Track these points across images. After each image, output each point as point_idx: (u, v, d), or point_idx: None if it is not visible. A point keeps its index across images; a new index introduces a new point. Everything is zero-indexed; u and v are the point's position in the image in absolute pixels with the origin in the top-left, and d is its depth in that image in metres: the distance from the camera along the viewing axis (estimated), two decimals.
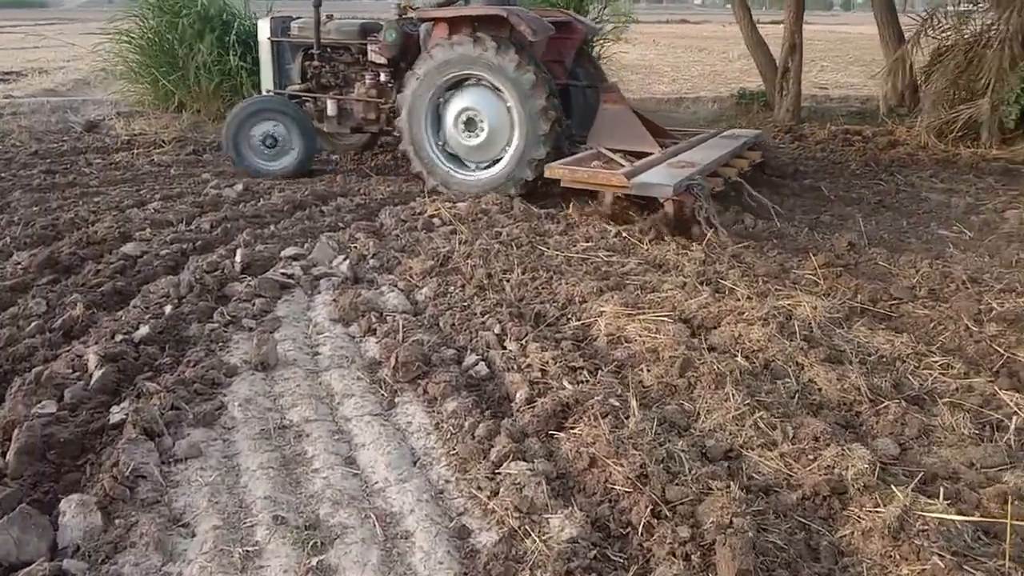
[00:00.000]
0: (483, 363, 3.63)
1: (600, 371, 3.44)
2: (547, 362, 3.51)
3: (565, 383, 3.32)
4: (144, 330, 3.86)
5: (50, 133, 9.85)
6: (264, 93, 8.16)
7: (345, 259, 5.07)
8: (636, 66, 17.94)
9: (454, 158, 6.92)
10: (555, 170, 6.09)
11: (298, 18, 8.25)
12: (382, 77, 7.48)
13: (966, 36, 9.26)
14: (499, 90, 6.52)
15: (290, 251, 5.18)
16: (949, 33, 9.45)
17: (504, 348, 3.78)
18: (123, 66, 10.89)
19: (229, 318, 4.14)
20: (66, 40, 21.83)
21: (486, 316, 4.08)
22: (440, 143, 6.89)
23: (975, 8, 9.33)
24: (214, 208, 6.32)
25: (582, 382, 3.35)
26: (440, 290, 4.53)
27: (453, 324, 4.07)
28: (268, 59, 8.07)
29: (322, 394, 3.45)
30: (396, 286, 4.65)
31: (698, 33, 37.18)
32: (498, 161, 6.74)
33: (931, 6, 11.16)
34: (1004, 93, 8.36)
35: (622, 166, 6.08)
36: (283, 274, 4.78)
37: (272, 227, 5.78)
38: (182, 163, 8.20)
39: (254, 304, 4.35)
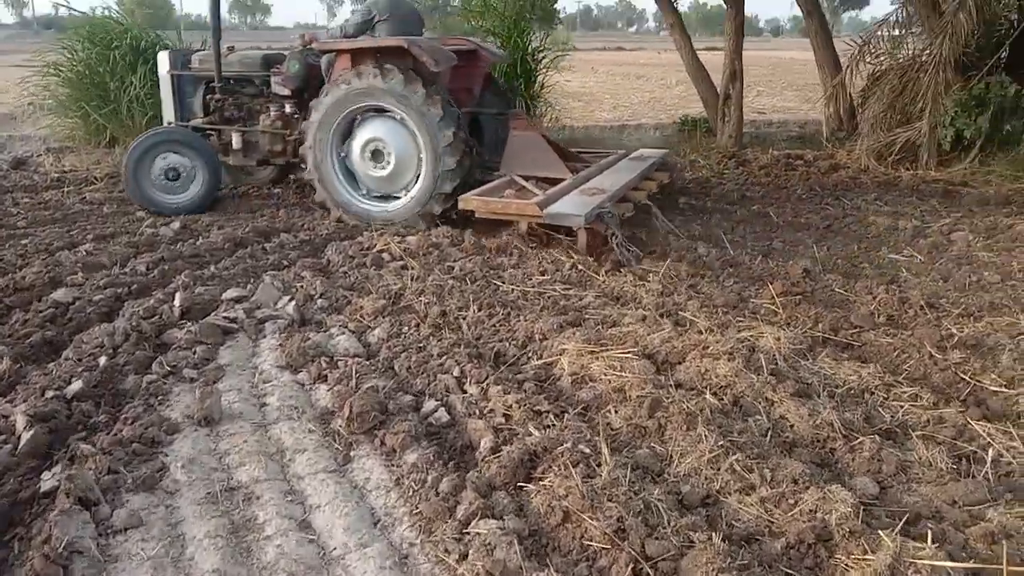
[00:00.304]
0: (443, 409, 3.46)
1: (566, 414, 3.30)
2: (510, 406, 3.35)
3: (531, 428, 3.17)
4: (77, 385, 3.60)
5: None
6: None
7: (291, 300, 4.86)
8: (577, 93, 18.03)
9: (359, 188, 6.88)
10: (470, 201, 6.08)
11: (198, 50, 8.17)
12: (287, 108, 7.49)
13: (900, 60, 9.50)
14: (406, 121, 6.50)
15: (232, 293, 4.94)
16: (884, 58, 9.68)
17: (464, 392, 3.61)
18: (52, 100, 10.48)
19: (168, 368, 3.89)
20: None
21: (444, 357, 3.91)
22: (345, 173, 6.84)
23: (909, 32, 9.56)
24: (150, 248, 6.03)
25: (549, 427, 3.20)
26: (394, 331, 4.34)
27: (409, 367, 3.88)
28: (168, 93, 7.87)
29: (272, 450, 3.23)
30: (347, 327, 4.45)
31: (634, 60, 37.85)
32: (406, 192, 6.72)
33: (862, 32, 11.44)
34: (939, 116, 8.55)
35: (535, 194, 6.15)
36: (225, 318, 4.54)
37: (212, 267, 5.53)
38: (115, 200, 7.83)
39: (195, 352, 4.10)
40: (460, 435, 3.28)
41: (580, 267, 5.39)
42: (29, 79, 10.54)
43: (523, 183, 6.53)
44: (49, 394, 3.52)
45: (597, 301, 4.72)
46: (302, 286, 5.10)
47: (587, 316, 4.45)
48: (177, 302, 4.67)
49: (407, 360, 3.93)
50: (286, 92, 7.36)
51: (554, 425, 3.20)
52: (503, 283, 5.15)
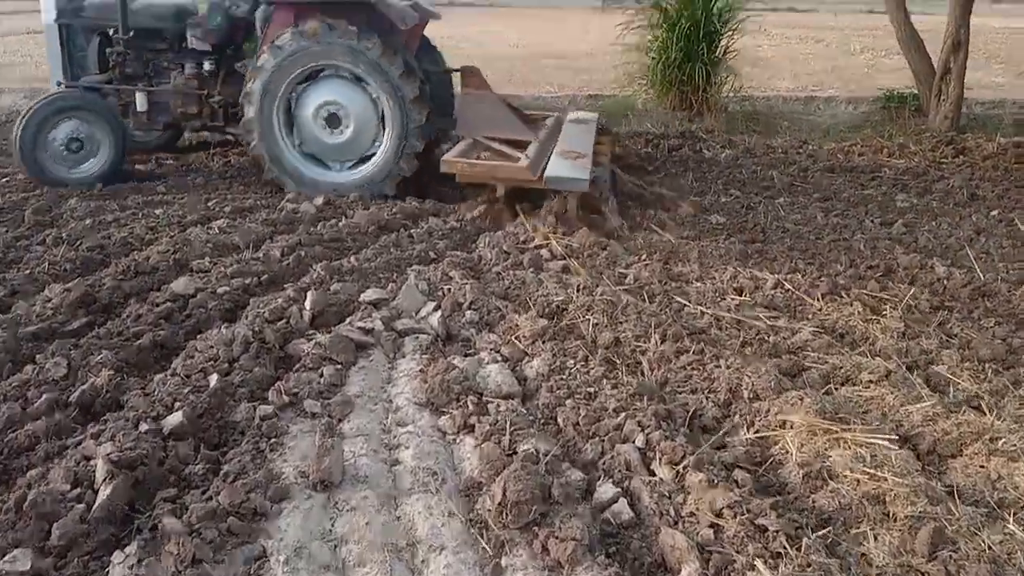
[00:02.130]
0: (624, 499, 2.59)
1: (803, 537, 2.35)
2: (720, 511, 2.43)
3: (754, 558, 2.25)
4: (177, 417, 2.96)
5: None
6: (55, 87, 6.83)
7: (436, 308, 4.09)
8: (752, 59, 16.46)
9: (314, 159, 6.33)
10: (453, 164, 5.66)
11: None
12: (205, 66, 6.66)
13: None
14: (362, 81, 6.00)
15: (371, 294, 4.23)
16: None
17: (652, 474, 2.72)
18: None
19: (288, 398, 3.20)
20: None
21: (621, 414, 3.02)
22: (297, 143, 6.26)
23: None
24: (288, 228, 5.43)
25: (778, 556, 2.27)
26: (556, 363, 3.49)
27: (577, 423, 3.03)
28: (56, 45, 6.87)
29: (401, 543, 2.46)
30: (499, 352, 3.64)
31: (807, 23, 34.99)
32: (368, 158, 6.26)
33: None
34: None
35: (512, 157, 5.82)
36: (360, 328, 3.83)
37: (352, 257, 4.85)
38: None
39: (322, 375, 3.40)
40: (648, 547, 2.40)
41: (787, 287, 4.34)
42: None
43: (495, 145, 6.13)
44: (144, 427, 2.89)
45: (816, 339, 3.69)
46: (450, 289, 4.33)
47: (808, 364, 3.44)
48: (308, 304, 4.00)
49: (574, 412, 3.07)
50: (205, 47, 6.64)
51: (786, 554, 2.26)
52: (689, 301, 4.19)
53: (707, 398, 3.21)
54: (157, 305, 4.05)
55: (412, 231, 5.43)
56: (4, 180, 6.61)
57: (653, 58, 9.93)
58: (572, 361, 3.51)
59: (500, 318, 3.99)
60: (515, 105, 7.34)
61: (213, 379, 3.29)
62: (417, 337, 3.83)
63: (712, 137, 8.90)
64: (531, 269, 4.66)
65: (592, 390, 3.25)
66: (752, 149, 8.42)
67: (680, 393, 3.27)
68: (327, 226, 5.47)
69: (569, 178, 5.35)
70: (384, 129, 6.11)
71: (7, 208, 5.69)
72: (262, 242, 5.13)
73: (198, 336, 3.79)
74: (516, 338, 3.75)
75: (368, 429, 3.07)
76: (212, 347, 3.57)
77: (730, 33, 9.93)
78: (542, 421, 3.10)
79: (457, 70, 7.02)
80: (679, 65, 9.65)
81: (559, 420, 3.07)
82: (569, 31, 26.44)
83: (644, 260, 4.83)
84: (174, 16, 6.69)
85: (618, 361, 3.55)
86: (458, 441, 3.00)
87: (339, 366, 3.51)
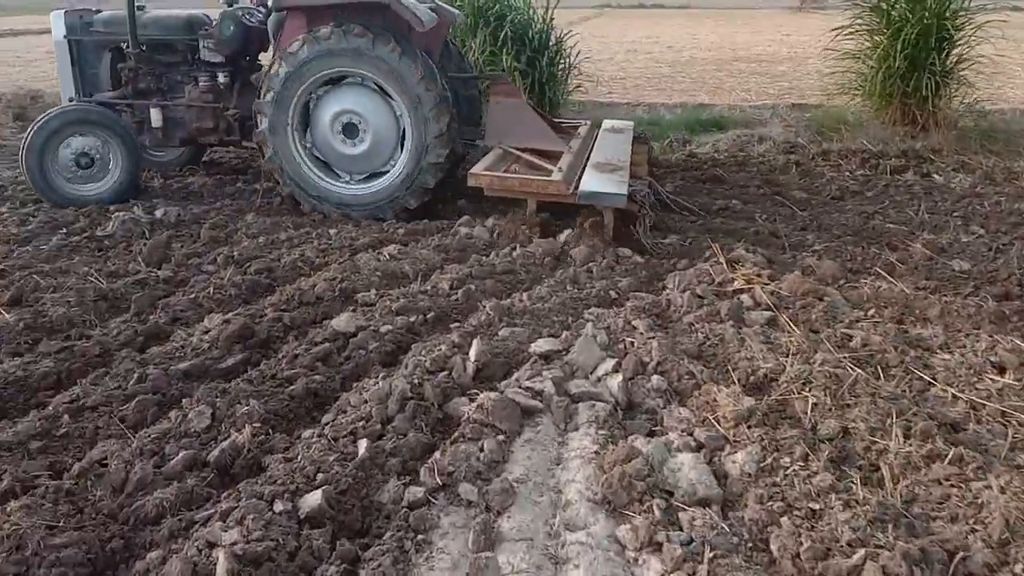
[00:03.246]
0: None
1: None
2: None
3: None
4: (315, 496, 2.56)
5: None
6: (67, 102, 6.62)
7: (617, 368, 3.51)
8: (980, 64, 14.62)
9: (328, 170, 6.00)
10: (480, 177, 5.37)
11: (99, 11, 6.86)
12: (220, 78, 6.40)
13: None
14: (380, 88, 5.69)
15: (543, 345, 3.71)
16: None
17: None
18: None
19: (441, 479, 2.73)
20: None
21: (858, 550, 2.32)
22: (311, 155, 5.94)
23: None
24: (459, 255, 5.04)
25: None
26: (766, 460, 2.81)
27: (797, 555, 2.34)
28: (67, 62, 6.64)
29: None
30: (692, 436, 3.00)
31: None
32: (387, 171, 5.91)
33: None
34: None
35: (545, 170, 5.54)
36: (529, 389, 3.31)
37: (525, 295, 4.36)
38: None
39: (482, 449, 2.91)
40: None
41: None
42: None
43: (526, 156, 5.86)
44: (279, 506, 2.52)
45: None
46: (633, 343, 3.73)
47: None
48: (473, 355, 3.53)
49: (793, 539, 2.39)
50: (219, 59, 6.36)
51: None
52: (935, 380, 3.37)
53: (974, 532, 2.43)
54: (316, 344, 3.75)
55: (590, 265, 4.86)
56: (188, 191, 6.69)
57: (872, 66, 8.83)
58: (788, 458, 2.81)
59: (694, 387, 3.35)
60: (546, 115, 7.06)
61: (362, 446, 2.89)
62: (593, 405, 3.25)
63: (941, 158, 7.73)
64: (730, 322, 3.97)
65: (816, 506, 2.54)
66: (992, 174, 7.20)
67: (935, 519, 2.51)
68: (500, 255, 5.02)
69: (605, 193, 4.99)
70: (404, 142, 5.79)
71: (187, 221, 5.67)
72: (432, 271, 4.76)
73: (355, 384, 3.44)
74: (714, 418, 3.09)
75: (531, 530, 2.54)
76: (367, 402, 3.18)
77: (966, 39, 8.64)
78: (749, 545, 2.44)
79: (485, 77, 6.55)
80: (903, 75, 8.50)
81: (772, 547, 2.40)
82: (764, 34, 25.01)
83: (872, 316, 4.01)
84: (185, 28, 6.51)
85: (849, 463, 2.82)
86: (641, 562, 2.41)
87: (502, 437, 3.00)
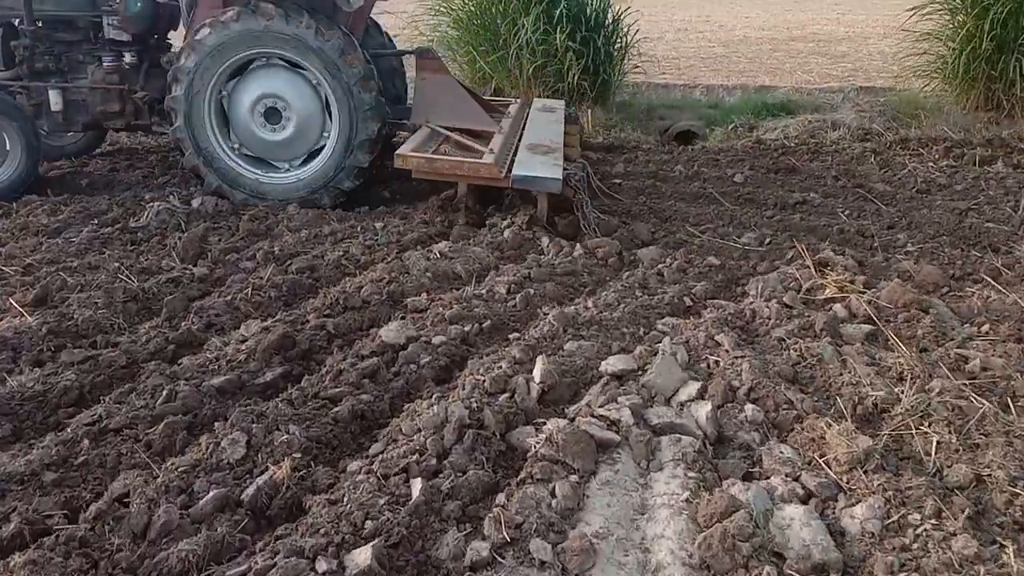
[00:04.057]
0: None
1: None
2: None
3: None
4: (365, 555, 2.19)
5: None
6: None
7: (702, 394, 3.08)
8: None
9: (257, 160, 5.65)
10: (407, 159, 5.08)
11: None
12: (126, 58, 5.90)
13: None
14: (300, 67, 5.39)
15: (615, 363, 3.30)
16: None
17: None
18: (440, 41, 9.71)
19: (508, 532, 2.34)
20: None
21: None
22: (234, 146, 5.59)
23: None
24: (516, 255, 4.64)
25: None
26: (891, 516, 2.37)
27: None
28: None
29: None
30: (799, 481, 2.57)
31: None
32: (317, 153, 5.59)
33: None
34: None
35: (475, 151, 5.33)
36: (602, 418, 2.90)
37: (590, 301, 3.94)
38: None
39: (553, 492, 2.51)
40: None
41: None
42: (420, 17, 9.85)
43: (455, 136, 5.66)
44: (322, 566, 2.15)
45: None
46: (717, 362, 3.30)
47: None
48: (538, 375, 3.13)
49: None
50: (125, 37, 5.88)
51: None
52: None
53: None
54: (362, 357, 3.38)
55: (661, 267, 4.43)
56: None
57: (954, 48, 8.20)
58: (917, 514, 2.37)
59: (794, 419, 2.91)
60: (475, 93, 6.79)
61: (416, 486, 2.51)
62: (679, 439, 2.83)
63: None
64: (827, 337, 3.51)
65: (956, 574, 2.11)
66: None
67: None
68: (560, 255, 4.60)
69: (540, 177, 4.77)
70: (331, 119, 5.46)
71: (225, 212, 5.34)
72: (486, 272, 4.37)
73: (406, 405, 3.06)
74: (823, 460, 2.66)
75: None
76: (420, 431, 2.79)
77: None
78: None
79: (410, 52, 6.31)
80: (988, 57, 7.87)
81: None
82: (817, 12, 24.09)
83: (987, 334, 3.54)
84: (87, 3, 5.96)
85: (988, 521, 2.37)
86: None
87: (576, 477, 2.60)
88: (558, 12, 8.39)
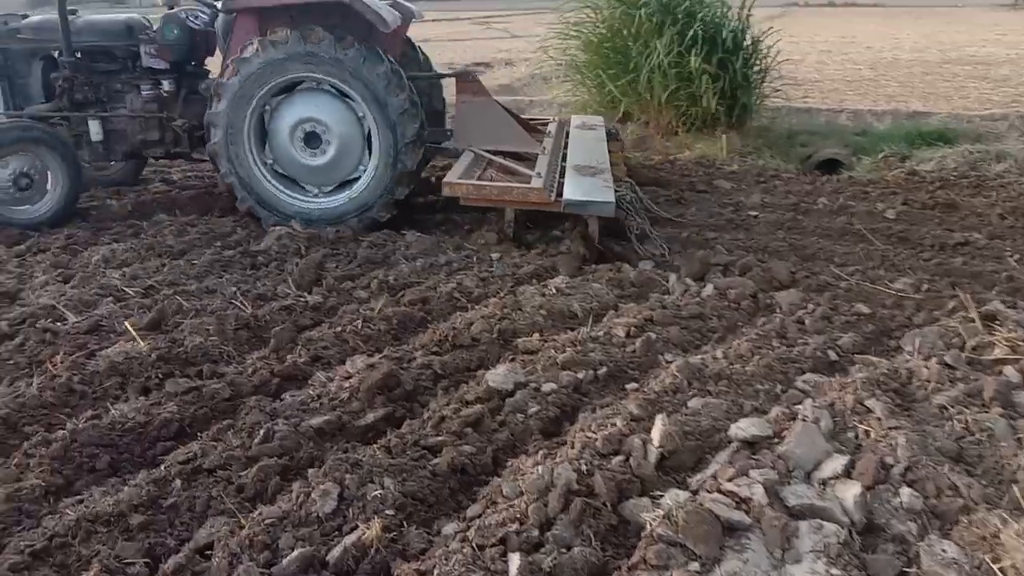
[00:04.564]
0: None
1: None
2: None
3: None
4: None
5: None
6: None
7: (848, 469, 2.68)
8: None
9: (291, 183, 5.58)
10: (455, 187, 5.00)
11: (25, 15, 6.20)
12: (164, 86, 5.87)
13: None
14: (343, 93, 5.34)
15: (746, 427, 2.92)
16: None
17: None
18: (569, 65, 9.50)
19: None
20: (508, 31, 21.81)
21: None
22: (270, 166, 5.52)
23: None
24: (638, 293, 4.33)
25: None
26: None
27: None
28: None
29: None
30: None
31: None
32: (353, 181, 5.52)
33: None
34: None
35: (522, 175, 5.29)
36: (731, 495, 2.55)
37: (719, 351, 3.58)
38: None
39: None
40: None
41: None
42: (548, 42, 9.67)
43: (498, 160, 5.59)
44: None
45: None
46: (867, 432, 2.88)
47: None
48: (656, 436, 2.81)
49: None
50: (162, 65, 5.83)
51: None
52: None
53: None
54: (467, 403, 3.15)
55: (802, 314, 4.01)
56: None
57: None
58: None
59: (960, 510, 2.47)
60: (515, 113, 6.70)
61: (514, 562, 2.24)
62: (820, 526, 2.44)
63: None
64: (998, 408, 3.02)
65: None
66: None
67: None
68: (687, 295, 4.25)
69: (593, 201, 4.66)
70: (370, 149, 5.40)
71: (345, 239, 5.26)
72: (605, 311, 4.08)
73: (510, 461, 2.81)
74: (999, 567, 2.21)
75: None
76: (522, 494, 2.53)
77: None
78: None
79: (450, 75, 6.19)
80: None
81: None
82: (973, 33, 22.50)
83: None
84: (124, 32, 5.90)
85: None
86: None
87: (697, 565, 2.27)
88: (692, 33, 8.03)
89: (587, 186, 4.91)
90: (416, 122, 5.34)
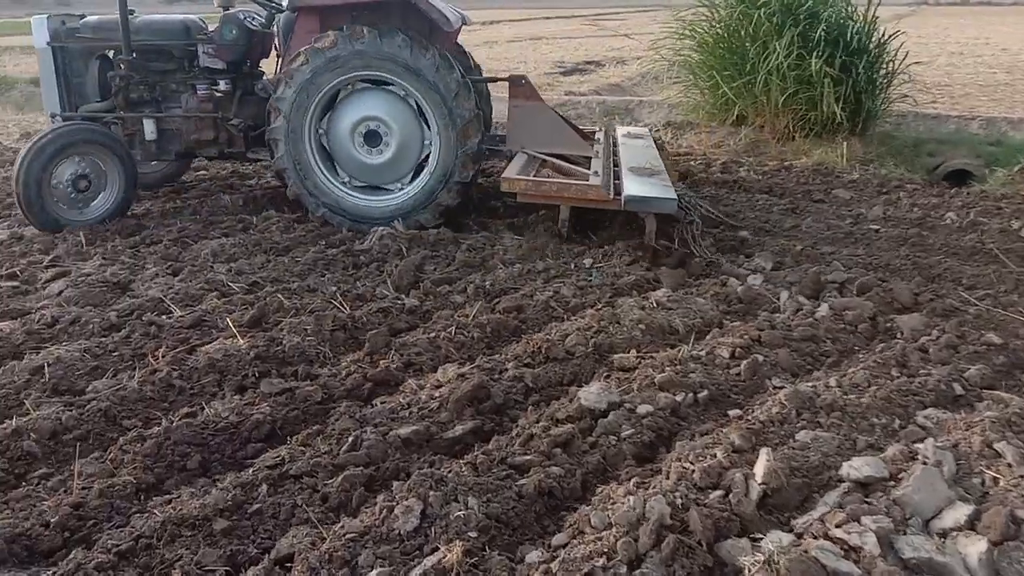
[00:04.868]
0: None
1: None
2: None
3: None
4: None
5: None
6: (50, 119, 5.99)
7: (972, 519, 2.42)
8: None
9: (342, 178, 5.63)
10: (515, 182, 5.08)
11: (83, 16, 6.09)
12: (220, 86, 5.84)
13: None
14: (403, 93, 5.38)
15: (859, 465, 2.69)
16: None
17: None
18: (683, 66, 9.22)
19: None
20: (620, 31, 21.43)
21: None
22: (330, 166, 5.57)
23: None
24: (743, 308, 4.11)
25: None
26: None
27: None
28: (51, 71, 5.91)
29: None
30: None
31: None
32: (408, 181, 5.59)
33: None
34: None
35: (577, 173, 5.34)
36: (840, 543, 2.34)
37: (832, 379, 3.33)
38: (720, 202, 6.16)
39: None
40: None
41: None
42: (661, 41, 9.41)
43: (552, 160, 5.67)
44: None
45: None
46: (996, 479, 2.60)
47: None
48: (760, 471, 2.62)
49: None
50: (219, 65, 5.82)
51: None
52: None
53: None
54: (557, 421, 3.04)
55: (925, 341, 3.70)
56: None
57: None
58: None
59: None
60: (565, 117, 6.70)
61: None
62: None
63: None
64: None
65: None
66: None
67: None
68: (799, 315, 4.01)
69: (654, 197, 4.71)
70: (430, 136, 5.43)
71: (445, 241, 5.23)
72: (708, 329, 3.88)
73: (600, 488, 2.68)
74: None
75: None
76: (612, 526, 2.40)
77: None
78: None
79: (502, 79, 6.19)
80: None
81: None
82: None
83: None
84: (182, 32, 5.87)
85: None
86: None
87: None
88: (815, 35, 7.64)
89: (647, 184, 4.96)
90: (478, 134, 5.42)
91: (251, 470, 2.77)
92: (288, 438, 3.01)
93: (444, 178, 5.43)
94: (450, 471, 2.72)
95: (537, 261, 4.83)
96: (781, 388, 3.31)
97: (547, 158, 5.72)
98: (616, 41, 20.58)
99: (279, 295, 4.26)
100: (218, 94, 5.93)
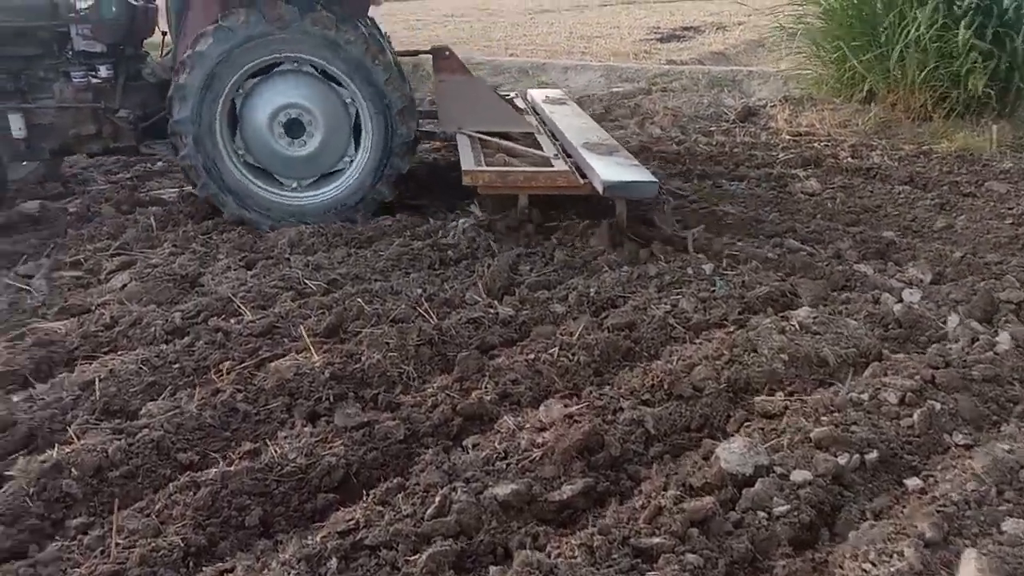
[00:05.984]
0: None
1: None
2: None
3: None
4: None
5: (698, 119, 7.95)
6: None
7: None
8: None
9: (264, 175, 4.96)
10: (477, 175, 4.54)
11: None
12: (101, 72, 4.96)
13: None
14: (332, 80, 4.80)
15: None
16: None
17: None
18: (804, 34, 8.35)
19: None
20: None
21: None
22: (242, 159, 4.90)
23: None
24: (904, 333, 3.43)
25: None
26: None
27: None
28: None
29: None
30: None
31: None
32: (333, 175, 5.01)
33: None
34: None
35: (536, 158, 4.92)
36: None
37: (1007, 444, 2.65)
38: (855, 194, 5.42)
39: None
40: None
41: None
42: (781, 7, 8.54)
43: (495, 141, 5.11)
44: None
45: None
46: None
47: None
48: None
49: None
50: (98, 48, 4.94)
51: None
52: None
53: None
54: (691, 489, 2.47)
55: None
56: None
57: None
58: None
59: None
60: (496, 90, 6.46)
61: None
62: None
63: None
64: None
65: None
66: None
67: None
68: (976, 347, 3.30)
69: (634, 182, 4.30)
70: (359, 142, 4.91)
71: (539, 251, 4.58)
72: (865, 361, 3.22)
73: None
74: None
75: None
76: None
77: None
78: None
79: (424, 52, 5.74)
80: None
81: None
82: None
83: None
84: (49, 11, 4.89)
85: None
86: None
87: None
88: (965, 3, 6.70)
89: (621, 168, 4.52)
90: (413, 123, 4.92)
91: (320, 536, 2.29)
92: (364, 490, 2.52)
93: (378, 169, 4.89)
94: (559, 555, 2.18)
95: (649, 264, 4.22)
96: (966, 447, 2.66)
97: (490, 139, 5.17)
98: (712, 5, 19.42)
99: (359, 298, 3.77)
100: (98, 81, 5.04)
